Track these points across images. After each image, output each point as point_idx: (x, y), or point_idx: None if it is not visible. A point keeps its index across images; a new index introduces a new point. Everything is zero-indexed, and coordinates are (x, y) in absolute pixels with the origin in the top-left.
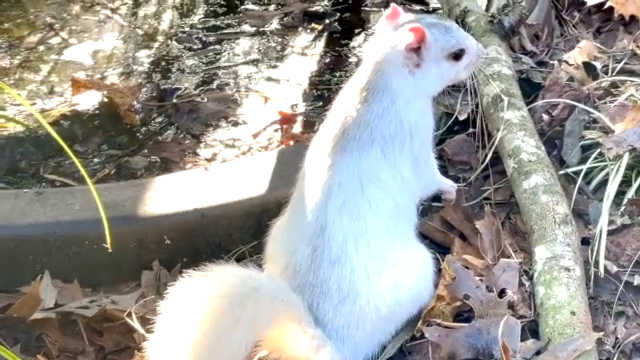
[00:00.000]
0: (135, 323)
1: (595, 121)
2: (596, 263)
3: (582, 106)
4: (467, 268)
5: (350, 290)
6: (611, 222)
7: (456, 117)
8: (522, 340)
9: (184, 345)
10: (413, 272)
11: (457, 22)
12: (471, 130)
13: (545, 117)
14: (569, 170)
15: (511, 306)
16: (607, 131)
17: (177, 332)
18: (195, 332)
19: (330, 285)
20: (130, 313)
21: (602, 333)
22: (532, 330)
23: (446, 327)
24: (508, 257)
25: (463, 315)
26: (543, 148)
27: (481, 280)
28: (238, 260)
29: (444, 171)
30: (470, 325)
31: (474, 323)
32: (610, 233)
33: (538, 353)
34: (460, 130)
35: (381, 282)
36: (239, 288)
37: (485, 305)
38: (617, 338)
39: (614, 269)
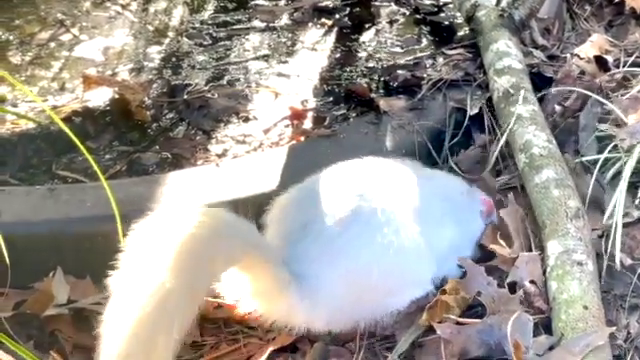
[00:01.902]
0: None
1: (608, 113)
2: (610, 256)
3: (595, 96)
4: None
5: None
6: (626, 214)
7: (468, 112)
8: (535, 335)
9: (147, 280)
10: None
11: (467, 17)
12: (485, 137)
13: (558, 108)
14: (584, 159)
15: (527, 300)
16: (620, 124)
17: (140, 269)
18: (157, 269)
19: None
20: None
21: (614, 328)
22: (545, 325)
23: (458, 323)
24: (530, 248)
25: (477, 310)
26: (554, 142)
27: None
28: None
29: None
30: (482, 322)
31: (486, 319)
32: (625, 225)
33: (551, 348)
34: (471, 125)
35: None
36: (201, 228)
37: (497, 301)
38: (629, 333)
39: (628, 261)
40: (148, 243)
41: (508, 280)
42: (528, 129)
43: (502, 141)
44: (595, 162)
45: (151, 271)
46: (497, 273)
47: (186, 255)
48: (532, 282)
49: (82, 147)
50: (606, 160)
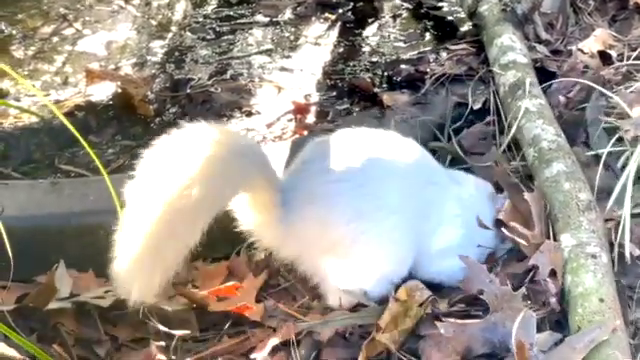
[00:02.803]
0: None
1: (613, 107)
2: (620, 246)
3: (600, 88)
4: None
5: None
6: (636, 205)
7: (471, 106)
8: (541, 331)
9: (160, 196)
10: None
11: (469, 12)
12: (489, 119)
13: (562, 99)
14: (589, 153)
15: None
16: (624, 117)
17: (155, 183)
18: (170, 187)
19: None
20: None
21: (619, 322)
22: (554, 321)
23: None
24: (549, 237)
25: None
26: (563, 135)
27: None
28: (253, 248)
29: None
30: (485, 319)
31: (489, 317)
32: (634, 216)
33: (557, 344)
34: (474, 120)
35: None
36: (219, 149)
37: (500, 299)
38: (638, 328)
39: (637, 252)
40: (171, 155)
41: (530, 263)
42: (536, 123)
43: (511, 133)
44: (608, 154)
45: (174, 180)
46: None
47: (209, 169)
48: (552, 272)
49: (84, 141)
50: (616, 152)
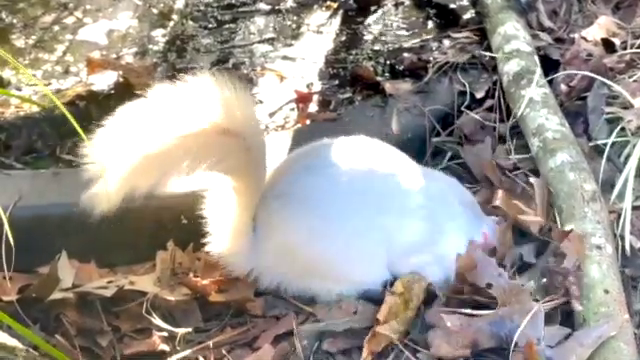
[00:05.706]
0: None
1: (616, 97)
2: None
3: (602, 79)
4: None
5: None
6: (638, 198)
7: (473, 95)
8: (555, 322)
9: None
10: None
11: (472, 0)
12: (488, 103)
13: (564, 88)
14: (592, 143)
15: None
16: (627, 106)
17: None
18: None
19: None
20: (148, 298)
21: (627, 316)
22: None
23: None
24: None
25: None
26: (567, 125)
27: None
28: None
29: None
30: (493, 313)
31: (497, 311)
32: (635, 208)
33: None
34: (477, 108)
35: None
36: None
37: (508, 293)
38: None
39: (638, 244)
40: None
41: (560, 250)
42: (540, 112)
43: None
44: (606, 145)
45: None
46: None
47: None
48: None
49: (82, 133)
50: (618, 143)
